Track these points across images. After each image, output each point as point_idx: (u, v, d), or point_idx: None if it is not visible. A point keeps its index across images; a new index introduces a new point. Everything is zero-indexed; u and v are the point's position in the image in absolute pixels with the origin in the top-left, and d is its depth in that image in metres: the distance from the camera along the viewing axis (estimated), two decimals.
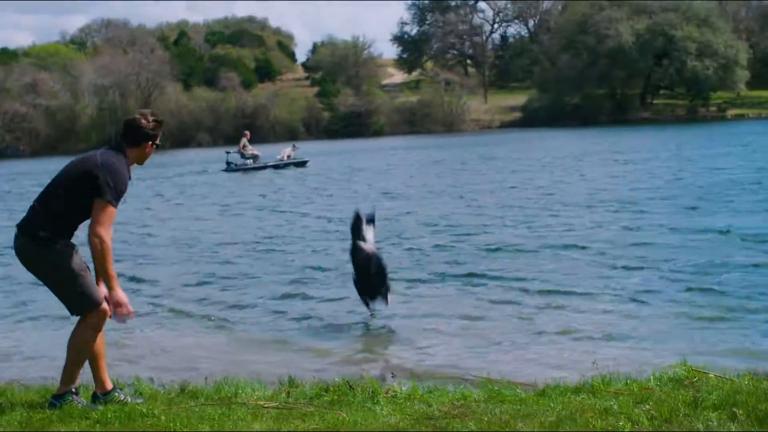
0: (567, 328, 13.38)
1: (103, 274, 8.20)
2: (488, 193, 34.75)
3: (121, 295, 8.20)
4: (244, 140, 56.75)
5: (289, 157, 58.16)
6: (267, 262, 21.30)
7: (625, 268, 17.82)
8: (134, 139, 8.41)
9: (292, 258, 21.49)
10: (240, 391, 8.96)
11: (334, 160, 65.20)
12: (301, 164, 57.77)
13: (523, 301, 15.48)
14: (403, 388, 8.85)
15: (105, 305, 8.24)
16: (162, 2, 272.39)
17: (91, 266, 8.30)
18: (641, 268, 17.68)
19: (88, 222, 8.17)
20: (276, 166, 56.55)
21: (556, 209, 27.80)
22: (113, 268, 8.16)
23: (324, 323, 14.83)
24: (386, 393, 8.64)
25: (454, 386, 9.03)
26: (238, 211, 33.37)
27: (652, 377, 8.82)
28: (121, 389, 8.78)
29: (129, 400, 8.50)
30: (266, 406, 8.21)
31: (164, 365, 12.38)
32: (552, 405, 7.91)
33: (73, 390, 8.49)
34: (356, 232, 14.18)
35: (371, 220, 14.30)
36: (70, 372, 8.43)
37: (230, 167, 56.03)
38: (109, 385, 8.56)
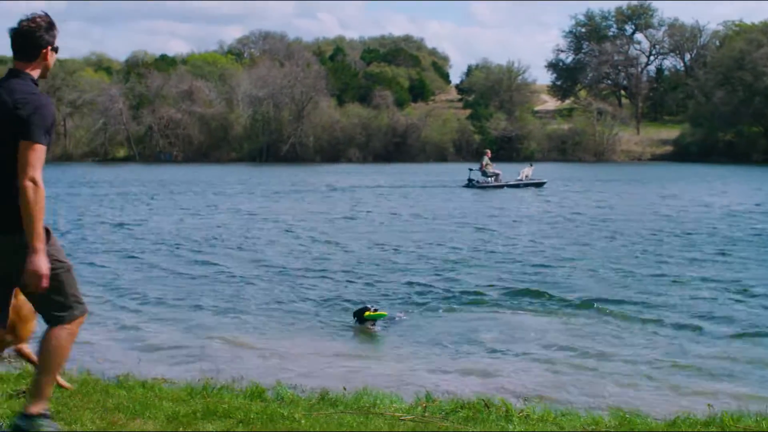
0: (692, 363, 13.42)
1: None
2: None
3: None
4: (486, 158, 57.72)
5: (527, 176, 58.49)
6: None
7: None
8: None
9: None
10: (378, 402, 9.04)
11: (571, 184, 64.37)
12: (539, 185, 58.00)
13: (647, 334, 15.62)
14: (537, 410, 8.95)
15: None
16: (318, 18, 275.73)
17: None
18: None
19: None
20: (515, 186, 56.96)
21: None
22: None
23: (467, 343, 15.08)
24: (520, 413, 8.72)
25: (586, 411, 9.09)
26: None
27: None
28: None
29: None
30: (403, 418, 8.27)
31: (307, 372, 12.74)
32: None
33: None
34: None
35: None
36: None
37: (471, 183, 56.93)
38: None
